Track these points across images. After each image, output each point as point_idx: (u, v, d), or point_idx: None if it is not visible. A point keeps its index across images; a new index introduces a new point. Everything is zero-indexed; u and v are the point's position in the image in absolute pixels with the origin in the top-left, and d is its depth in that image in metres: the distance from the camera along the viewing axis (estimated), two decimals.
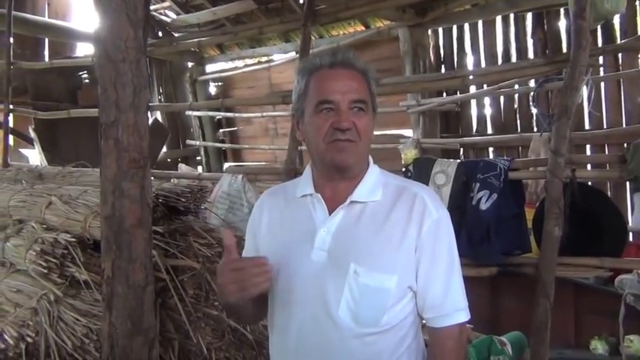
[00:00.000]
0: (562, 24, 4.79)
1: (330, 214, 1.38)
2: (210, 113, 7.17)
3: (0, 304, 2.19)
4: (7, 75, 4.68)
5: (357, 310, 1.31)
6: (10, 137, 5.03)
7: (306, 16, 3.58)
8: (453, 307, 1.36)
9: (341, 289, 1.32)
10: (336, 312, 1.32)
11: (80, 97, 5.64)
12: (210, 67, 7.51)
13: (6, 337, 1.95)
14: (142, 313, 1.79)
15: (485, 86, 4.77)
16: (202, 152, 7.46)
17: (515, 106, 5.19)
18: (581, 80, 2.54)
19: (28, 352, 1.93)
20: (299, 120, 1.42)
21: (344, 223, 1.36)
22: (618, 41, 4.51)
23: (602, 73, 4.37)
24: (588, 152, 4.66)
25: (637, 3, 4.42)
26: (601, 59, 4.19)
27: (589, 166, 4.02)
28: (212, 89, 7.53)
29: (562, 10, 4.75)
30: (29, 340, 1.95)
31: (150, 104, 2.19)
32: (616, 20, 4.45)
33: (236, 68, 7.23)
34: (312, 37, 4.32)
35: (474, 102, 5.38)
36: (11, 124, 5.02)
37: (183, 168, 6.59)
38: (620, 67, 4.57)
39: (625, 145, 3.26)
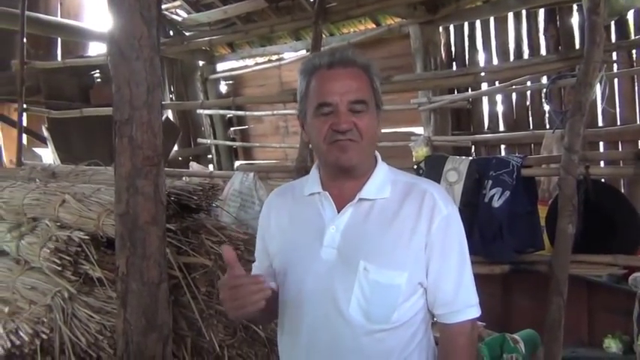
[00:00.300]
0: (575, 20, 4.74)
1: (338, 212, 1.38)
2: (221, 112, 7.20)
3: (15, 301, 2.21)
4: (20, 75, 4.71)
5: (368, 308, 1.31)
6: (24, 136, 5.07)
7: (317, 13, 3.58)
8: (465, 303, 1.37)
9: (351, 286, 1.32)
10: (346, 309, 1.32)
11: (92, 96, 5.68)
12: (220, 66, 7.52)
13: (21, 333, 1.97)
14: (156, 310, 1.81)
15: (497, 83, 4.74)
16: (213, 150, 7.48)
17: (528, 103, 5.15)
18: (595, 77, 2.52)
19: (43, 348, 1.95)
20: (303, 121, 1.43)
21: (353, 221, 1.36)
22: (632, 37, 4.46)
23: (615, 70, 4.32)
24: (602, 149, 4.62)
25: None
26: (615, 55, 4.15)
27: (602, 163, 3.98)
28: (223, 88, 7.54)
29: (575, 6, 4.70)
30: (44, 336, 1.97)
31: (162, 103, 2.20)
32: (630, 16, 4.39)
33: (247, 67, 7.24)
34: (323, 35, 4.31)
35: (485, 99, 5.35)
36: (25, 124, 5.07)
37: (194, 166, 6.62)
38: (634, 64, 4.51)
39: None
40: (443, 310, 1.37)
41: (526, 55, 4.99)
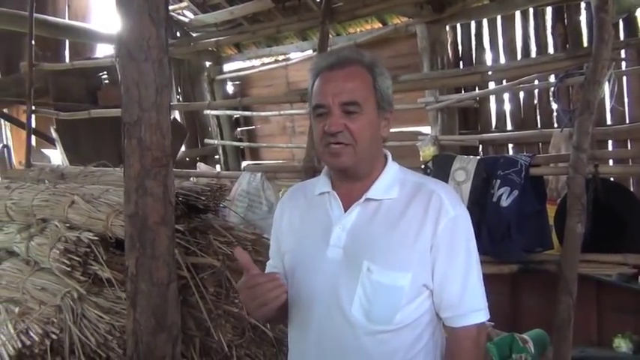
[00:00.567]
0: (582, 18, 4.71)
1: (345, 212, 1.38)
2: (228, 112, 7.21)
3: (25, 301, 2.23)
4: (29, 76, 4.73)
5: (370, 308, 1.31)
6: (33, 138, 5.09)
7: (324, 13, 3.57)
8: (470, 308, 1.35)
9: (354, 286, 1.32)
10: (349, 309, 1.32)
11: (100, 97, 5.70)
12: (227, 67, 7.53)
13: (31, 334, 1.98)
14: (165, 310, 1.81)
15: (504, 82, 4.72)
16: (220, 151, 7.49)
17: (535, 101, 5.13)
18: (603, 75, 2.50)
19: (52, 348, 1.96)
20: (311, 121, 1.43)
21: (359, 221, 1.36)
22: None
23: (624, 67, 4.29)
24: (610, 148, 4.59)
25: None
26: (623, 53, 4.12)
27: (611, 162, 3.96)
28: (230, 88, 7.55)
29: (582, 4, 4.67)
30: (54, 336, 1.98)
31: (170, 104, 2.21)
32: (638, 13, 4.37)
33: (253, 67, 7.25)
34: (330, 35, 4.31)
35: (492, 98, 5.32)
36: (33, 125, 5.09)
37: (202, 167, 6.63)
38: None
39: None
40: (448, 313, 1.36)
41: (534, 54, 4.96)
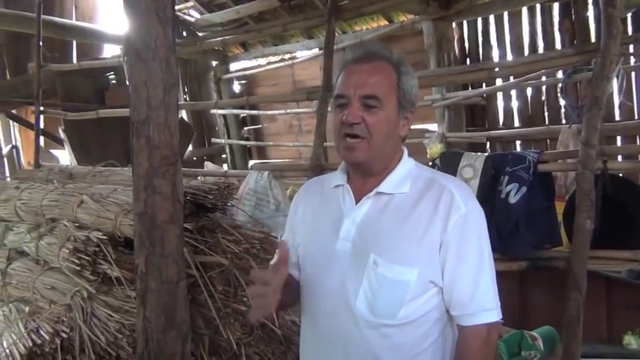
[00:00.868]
0: (590, 13, 4.69)
1: (357, 204, 1.39)
2: (235, 111, 7.23)
3: (35, 300, 2.24)
4: (37, 77, 4.76)
5: (374, 302, 1.31)
6: (41, 138, 5.13)
7: (330, 11, 3.57)
8: (481, 307, 1.33)
9: (360, 279, 1.32)
10: (354, 302, 1.33)
11: (107, 97, 5.72)
12: (234, 66, 7.55)
13: (42, 332, 1.99)
14: (175, 308, 1.82)
15: (511, 78, 4.70)
16: (227, 150, 7.51)
17: (543, 98, 5.11)
18: (612, 70, 2.49)
19: (63, 347, 1.97)
20: None
21: (369, 214, 1.37)
22: None
23: (632, 62, 4.27)
24: (619, 143, 4.57)
25: None
26: (632, 48, 4.09)
27: (620, 158, 3.94)
28: (236, 87, 7.57)
29: None
30: (64, 335, 1.99)
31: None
32: None
33: (259, 66, 7.26)
34: (336, 33, 4.31)
35: (500, 95, 5.31)
36: (42, 126, 5.12)
37: (209, 166, 6.65)
38: None
39: None
40: (458, 311, 1.35)
41: (541, 50, 4.95)
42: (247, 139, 7.51)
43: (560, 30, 4.85)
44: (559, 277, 2.63)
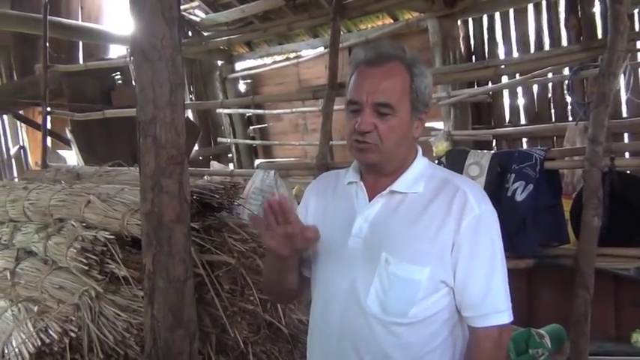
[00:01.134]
0: (597, 9, 4.66)
1: (370, 202, 1.38)
2: (241, 110, 7.24)
3: (44, 300, 2.25)
4: (44, 78, 4.79)
5: (385, 300, 1.31)
6: (48, 139, 5.15)
7: (335, 10, 3.57)
8: (493, 308, 1.33)
9: (371, 277, 1.33)
10: (364, 300, 1.33)
11: (114, 97, 5.75)
12: (239, 65, 7.57)
13: (50, 332, 2.00)
14: (182, 307, 1.83)
15: (517, 76, 4.68)
16: (233, 149, 7.53)
17: (549, 95, 5.09)
18: (618, 66, 2.48)
19: (71, 346, 1.98)
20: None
21: (382, 212, 1.36)
22: None
23: (639, 59, 4.24)
24: (626, 140, 4.54)
25: None
26: (639, 44, 4.07)
27: (627, 155, 3.91)
28: (242, 87, 7.59)
29: None
30: (72, 335, 2.00)
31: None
32: None
33: (265, 65, 7.28)
34: (341, 32, 4.30)
35: (506, 92, 5.30)
36: (49, 126, 5.15)
37: (215, 165, 6.66)
38: None
39: None
40: (469, 312, 1.34)
41: (547, 47, 4.93)
42: (253, 138, 7.52)
43: (566, 26, 4.83)
44: (566, 275, 2.62)
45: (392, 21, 5.83)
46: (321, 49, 6.36)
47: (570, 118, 4.75)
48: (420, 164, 1.41)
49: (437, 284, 1.32)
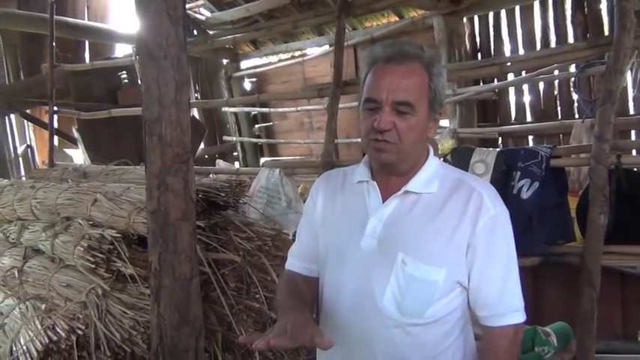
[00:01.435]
0: (603, 6, 4.63)
1: (383, 203, 1.38)
2: (246, 109, 7.24)
3: (51, 298, 2.27)
4: (51, 78, 4.81)
5: (402, 301, 1.31)
6: (55, 138, 5.18)
7: (340, 8, 3.56)
8: (509, 308, 1.34)
9: (387, 278, 1.32)
10: (380, 301, 1.32)
11: (120, 96, 5.77)
12: (244, 64, 7.56)
13: (58, 329, 2.01)
14: (188, 305, 1.84)
15: (523, 73, 4.66)
16: (239, 148, 7.53)
17: (556, 92, 5.06)
18: (625, 63, 2.46)
19: (78, 344, 1.99)
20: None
21: (396, 213, 1.36)
22: None
23: None
24: (633, 137, 4.52)
25: None
26: None
27: (634, 152, 3.90)
28: (247, 85, 7.58)
29: None
30: (79, 332, 2.01)
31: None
32: None
33: (270, 63, 7.27)
34: (346, 30, 4.30)
35: (512, 89, 5.27)
36: (56, 125, 5.17)
37: (221, 164, 6.67)
38: None
39: None
40: (485, 312, 1.35)
41: (553, 44, 4.89)
42: (258, 136, 7.52)
43: (572, 23, 4.79)
44: (572, 273, 2.61)
45: (397, 19, 5.81)
46: (327, 47, 6.35)
47: (577, 116, 4.72)
48: (433, 164, 1.40)
49: (452, 285, 1.33)
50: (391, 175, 1.39)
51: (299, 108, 6.42)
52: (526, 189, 2.61)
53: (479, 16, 5.37)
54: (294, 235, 1.68)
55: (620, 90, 2.52)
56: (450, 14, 5.12)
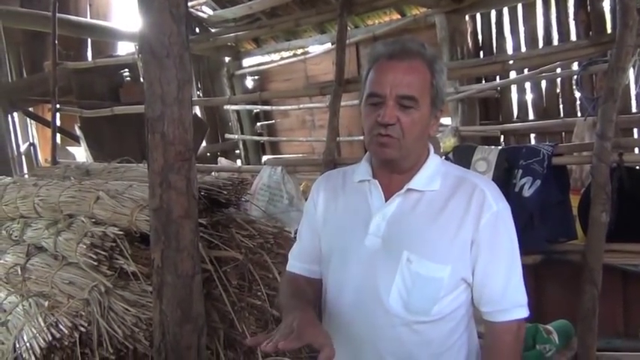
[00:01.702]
0: (606, 4, 4.62)
1: (386, 201, 1.38)
2: (248, 107, 7.24)
3: (54, 295, 2.27)
4: (53, 75, 4.81)
5: (408, 299, 1.32)
6: (58, 135, 5.19)
7: (342, 6, 3.56)
8: (513, 303, 1.35)
9: (392, 276, 1.32)
10: (386, 299, 1.33)
11: (122, 94, 5.77)
12: (246, 61, 7.56)
13: (61, 326, 2.02)
14: (191, 302, 1.84)
15: (526, 71, 4.66)
16: (241, 146, 7.54)
17: (558, 90, 5.06)
18: (627, 61, 2.47)
19: (81, 341, 1.99)
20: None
21: (400, 211, 1.36)
22: None
23: None
24: (635, 135, 4.51)
25: None
26: None
27: (636, 150, 3.90)
28: (249, 83, 7.59)
29: None
30: (82, 329, 2.01)
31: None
32: None
33: (272, 61, 7.27)
34: (348, 28, 4.30)
35: (514, 87, 5.26)
36: (58, 123, 5.18)
37: (223, 161, 6.68)
38: None
39: None
40: (489, 307, 1.36)
41: (555, 42, 4.89)
42: (260, 134, 7.53)
43: (575, 21, 4.79)
44: (574, 271, 2.61)
45: (399, 16, 5.80)
46: (329, 45, 6.35)
47: (579, 114, 4.72)
48: (434, 162, 1.41)
49: (457, 282, 1.33)
50: (393, 172, 1.39)
51: (301, 106, 6.42)
52: (528, 187, 2.61)
53: (481, 14, 5.37)
54: (295, 233, 1.69)
55: (623, 88, 2.52)
56: (452, 12, 5.12)
